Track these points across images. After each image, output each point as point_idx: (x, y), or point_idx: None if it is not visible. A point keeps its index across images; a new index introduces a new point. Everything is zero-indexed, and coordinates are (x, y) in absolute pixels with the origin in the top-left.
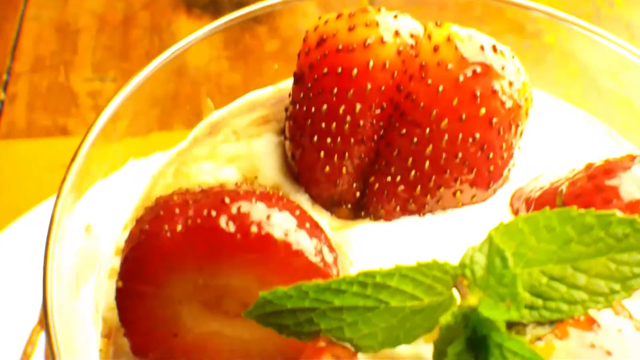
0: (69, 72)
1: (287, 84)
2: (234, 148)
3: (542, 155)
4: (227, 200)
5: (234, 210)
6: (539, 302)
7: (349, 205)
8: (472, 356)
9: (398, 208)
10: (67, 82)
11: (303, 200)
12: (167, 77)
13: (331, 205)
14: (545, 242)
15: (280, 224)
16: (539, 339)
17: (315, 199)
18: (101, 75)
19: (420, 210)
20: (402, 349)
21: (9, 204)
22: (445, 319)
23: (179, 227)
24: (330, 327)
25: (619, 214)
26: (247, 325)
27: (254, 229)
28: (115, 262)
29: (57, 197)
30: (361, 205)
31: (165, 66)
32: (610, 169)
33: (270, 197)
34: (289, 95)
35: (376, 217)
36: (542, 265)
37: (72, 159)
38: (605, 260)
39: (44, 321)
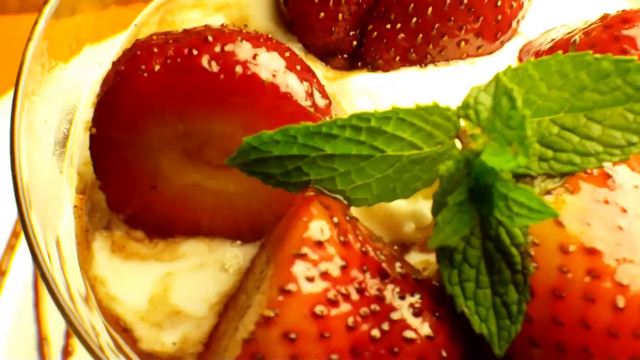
0: None
1: None
2: None
3: (555, 9)
4: (210, 38)
5: (217, 49)
6: (549, 153)
7: (345, 55)
8: (474, 208)
9: (397, 58)
10: None
11: (296, 50)
12: None
13: (326, 55)
14: (557, 89)
15: (267, 65)
16: (548, 192)
17: (309, 48)
18: None
19: (422, 60)
20: (399, 205)
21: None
22: (446, 166)
23: (157, 67)
24: (320, 177)
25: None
26: (231, 176)
27: (238, 69)
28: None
29: (28, 40)
30: (358, 55)
31: None
32: (628, 18)
33: (257, 37)
34: None
35: (374, 68)
36: (553, 114)
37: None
38: (622, 110)
39: (12, 174)
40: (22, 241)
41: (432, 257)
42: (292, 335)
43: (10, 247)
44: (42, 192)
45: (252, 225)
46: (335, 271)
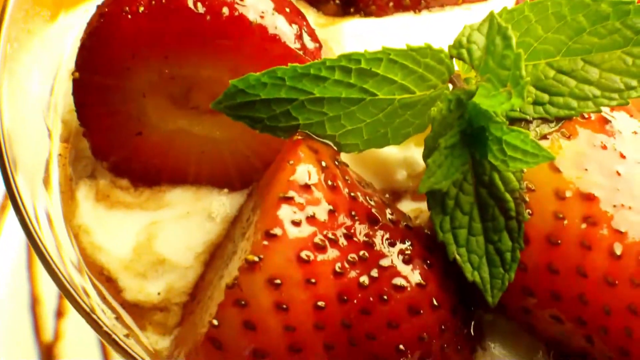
0: None
1: None
2: None
3: None
4: None
5: None
6: (545, 97)
7: (337, 1)
8: (466, 152)
9: (391, 4)
10: None
11: None
12: None
13: (317, 2)
14: (554, 31)
15: (255, 6)
16: (543, 137)
17: None
18: None
19: (416, 6)
20: (391, 152)
21: None
22: (437, 107)
23: (141, 9)
24: (309, 122)
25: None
26: (218, 122)
27: (225, 10)
28: None
29: None
30: (350, 1)
31: None
32: None
33: None
34: None
35: (367, 13)
36: (549, 57)
37: None
38: (620, 53)
39: None
40: None
41: (424, 206)
42: (277, 281)
43: (2, 208)
44: (25, 140)
45: (240, 172)
46: (322, 215)
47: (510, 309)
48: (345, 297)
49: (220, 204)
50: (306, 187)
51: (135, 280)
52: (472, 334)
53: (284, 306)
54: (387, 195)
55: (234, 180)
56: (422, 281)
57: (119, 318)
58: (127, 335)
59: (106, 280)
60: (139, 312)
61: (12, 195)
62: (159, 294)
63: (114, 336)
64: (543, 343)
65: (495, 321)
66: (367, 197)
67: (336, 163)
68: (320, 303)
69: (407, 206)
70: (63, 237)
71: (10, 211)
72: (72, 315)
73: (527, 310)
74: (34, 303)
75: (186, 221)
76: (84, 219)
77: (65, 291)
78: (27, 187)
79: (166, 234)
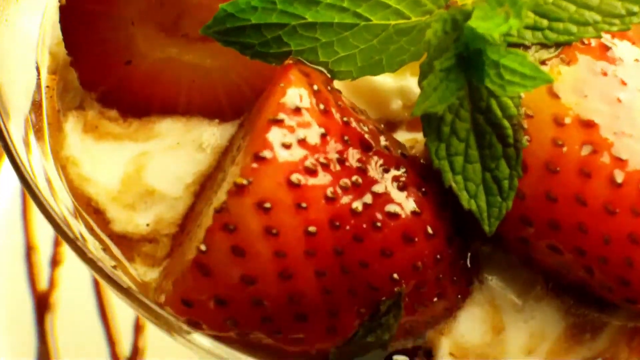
0: None
1: None
2: None
3: None
4: None
5: None
6: (544, 22)
7: None
8: (463, 77)
9: None
10: None
11: None
12: None
13: None
14: None
15: None
16: (542, 63)
17: None
18: None
19: None
20: (386, 80)
21: None
22: (433, 29)
23: None
24: (301, 48)
25: None
26: (209, 50)
27: None
28: None
29: None
30: None
31: None
32: None
33: None
34: None
35: None
36: None
37: None
38: None
39: None
40: None
41: (419, 136)
42: (267, 205)
43: None
44: (12, 71)
45: (231, 102)
46: (313, 139)
47: (508, 239)
48: (338, 224)
49: (211, 135)
50: (297, 110)
51: (124, 211)
52: (469, 266)
53: (274, 231)
54: (382, 125)
55: (225, 110)
56: (416, 209)
57: (106, 250)
58: (114, 267)
59: (94, 212)
60: (127, 243)
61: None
62: (147, 225)
63: (104, 267)
64: (541, 275)
65: (492, 253)
66: (361, 123)
67: (329, 88)
68: (311, 229)
69: (402, 136)
70: (52, 171)
71: (5, 162)
72: (67, 263)
73: (524, 241)
74: (29, 252)
75: (176, 152)
76: (72, 150)
77: (56, 226)
78: (18, 126)
79: (155, 164)
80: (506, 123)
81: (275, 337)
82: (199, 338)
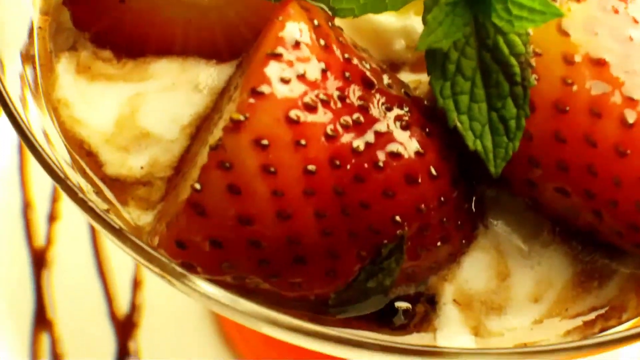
0: None
1: None
2: None
3: None
4: None
5: None
6: None
7: None
8: (469, 13)
9: None
10: None
11: None
12: None
13: None
14: None
15: None
16: (552, 1)
17: None
18: None
19: None
20: (389, 20)
21: None
22: None
23: None
24: None
25: None
26: None
27: None
28: None
29: None
30: None
31: None
32: None
33: None
34: None
35: None
36: None
37: None
38: None
39: None
40: None
41: (423, 77)
42: (264, 142)
43: None
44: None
45: (228, 42)
46: (313, 74)
47: (514, 183)
48: (338, 163)
49: (208, 76)
50: (296, 44)
51: (117, 154)
52: (474, 210)
53: (272, 169)
54: (384, 65)
55: (222, 50)
56: (420, 149)
57: (99, 193)
58: (107, 211)
59: (86, 155)
60: (121, 187)
61: None
62: (142, 168)
63: (95, 208)
64: (548, 221)
65: (498, 198)
66: (363, 61)
67: (330, 25)
68: (310, 167)
69: (406, 78)
70: (46, 119)
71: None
72: (64, 220)
73: (532, 184)
74: (26, 208)
75: (171, 93)
76: (64, 92)
77: (46, 165)
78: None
79: (150, 106)
80: (514, 61)
81: (273, 281)
82: (196, 282)
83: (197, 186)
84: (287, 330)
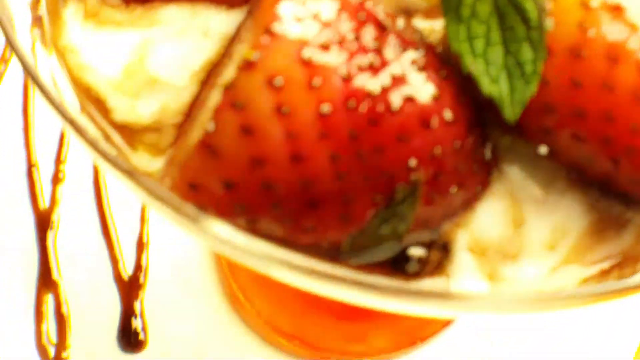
0: None
1: None
2: None
3: None
4: None
5: None
6: None
7: None
8: None
9: None
10: None
11: None
12: None
13: None
14: None
15: None
16: None
17: None
18: None
19: None
20: None
21: None
22: None
23: None
24: None
25: None
26: None
27: None
28: None
29: None
30: None
31: None
32: None
33: None
34: None
35: None
36: None
37: None
38: None
39: None
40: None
41: (436, 24)
42: (278, 82)
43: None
44: None
45: None
46: (327, 15)
47: (530, 129)
48: (352, 105)
49: (218, 22)
50: None
51: (126, 100)
52: (489, 156)
53: (286, 110)
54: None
55: None
56: (435, 93)
57: (108, 139)
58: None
59: (95, 101)
60: (130, 133)
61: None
62: (151, 114)
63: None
64: (563, 169)
65: (513, 145)
66: (377, 6)
67: None
68: (324, 109)
69: (419, 25)
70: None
71: (3, 79)
72: (68, 181)
73: (547, 131)
74: (30, 169)
75: (181, 39)
76: (71, 38)
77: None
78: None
79: (159, 52)
80: (530, 5)
81: (286, 225)
82: (212, 224)
83: (210, 127)
84: (301, 272)
